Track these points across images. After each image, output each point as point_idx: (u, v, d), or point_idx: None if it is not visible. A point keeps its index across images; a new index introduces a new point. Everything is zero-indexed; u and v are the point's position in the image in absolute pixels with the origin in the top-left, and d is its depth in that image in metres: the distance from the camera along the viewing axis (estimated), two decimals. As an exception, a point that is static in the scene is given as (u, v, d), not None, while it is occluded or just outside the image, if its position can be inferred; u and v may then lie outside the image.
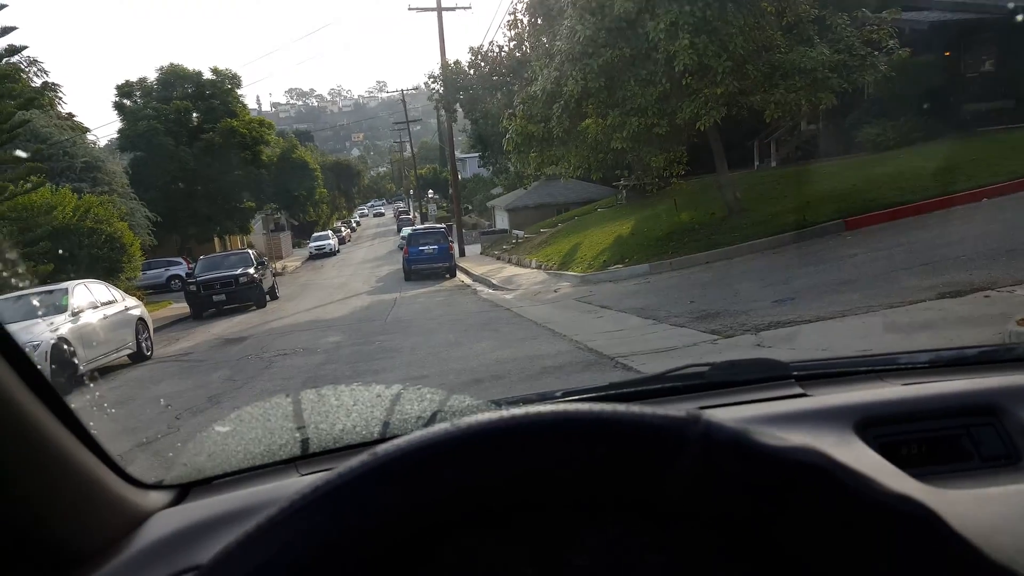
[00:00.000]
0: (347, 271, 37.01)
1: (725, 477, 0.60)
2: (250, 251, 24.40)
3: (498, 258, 30.43)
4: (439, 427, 0.63)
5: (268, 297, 25.05)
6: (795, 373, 1.62)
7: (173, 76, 41.22)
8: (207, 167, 38.87)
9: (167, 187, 39.03)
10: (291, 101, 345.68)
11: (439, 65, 33.37)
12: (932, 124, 21.50)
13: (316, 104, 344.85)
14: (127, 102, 40.06)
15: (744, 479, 0.59)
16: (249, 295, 22.08)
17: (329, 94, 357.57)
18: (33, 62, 36.23)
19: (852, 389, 1.51)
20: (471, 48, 32.80)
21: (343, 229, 74.17)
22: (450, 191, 40.16)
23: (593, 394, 1.65)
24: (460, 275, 27.16)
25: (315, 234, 56.73)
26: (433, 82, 33.46)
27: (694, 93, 14.72)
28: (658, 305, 11.50)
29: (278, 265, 42.31)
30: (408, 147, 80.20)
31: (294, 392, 1.66)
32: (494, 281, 21.46)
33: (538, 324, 11.72)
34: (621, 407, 0.62)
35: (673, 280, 14.31)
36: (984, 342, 3.53)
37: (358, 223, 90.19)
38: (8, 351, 0.90)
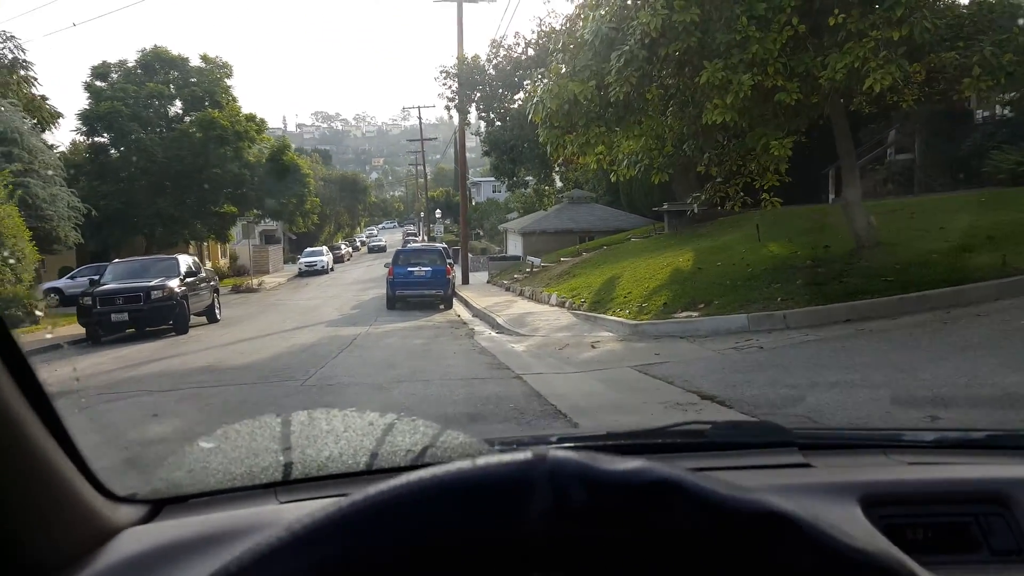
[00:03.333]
0: (330, 292, 31.35)
1: (579, 510, 0.59)
2: (184, 258, 18.56)
3: (507, 288, 24.56)
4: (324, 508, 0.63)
5: (205, 319, 19.24)
6: (799, 441, 1.54)
7: (155, 59, 35.74)
8: (179, 161, 33.23)
9: (131, 179, 33.44)
10: (316, 123, 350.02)
11: (455, 58, 27.89)
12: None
13: (340, 128, 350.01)
14: (100, 84, 34.59)
15: (596, 508, 0.59)
16: (163, 316, 16.22)
17: (354, 119, 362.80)
18: (9, 38, 31.11)
19: (856, 463, 1.47)
20: (492, 40, 27.12)
21: (343, 247, 68.74)
22: (459, 206, 34.35)
23: (590, 442, 1.63)
24: (458, 306, 21.27)
25: (307, 249, 51.18)
26: (446, 79, 27.90)
27: (851, 37, 8.86)
28: (835, 405, 5.57)
29: (255, 281, 36.50)
30: (423, 167, 74.82)
31: (285, 412, 1.55)
32: (500, 319, 15.55)
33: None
34: (467, 463, 0.63)
35: (808, 348, 8.33)
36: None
37: (363, 243, 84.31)
38: (3, 347, 0.89)
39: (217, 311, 19.92)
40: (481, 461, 0.62)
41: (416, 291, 21.12)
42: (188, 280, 17.61)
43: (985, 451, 1.53)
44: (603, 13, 10.31)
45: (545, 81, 10.71)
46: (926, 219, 13.84)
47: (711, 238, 19.07)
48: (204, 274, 19.49)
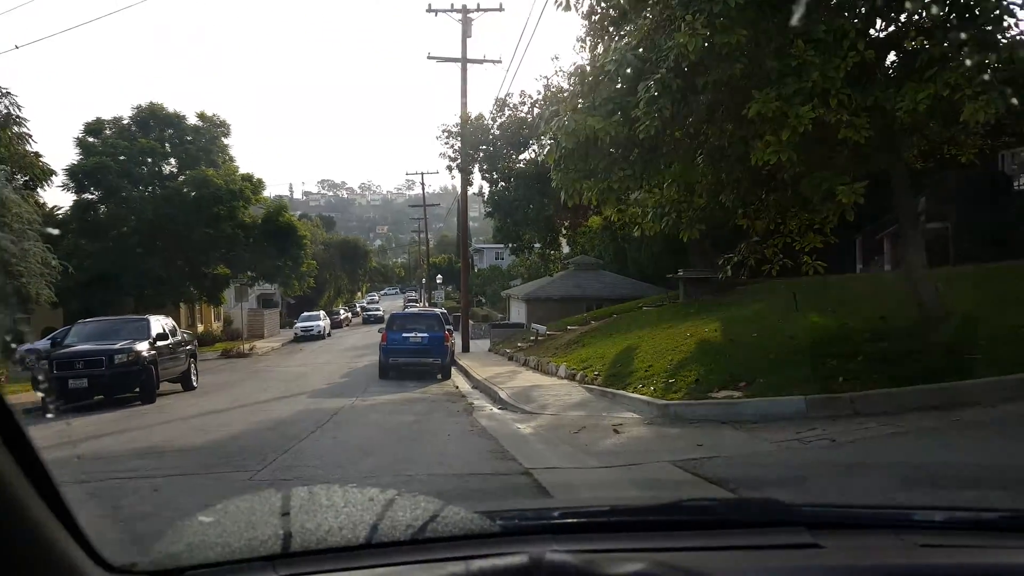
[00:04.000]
0: (322, 358, 29.63)
1: None
2: (157, 320, 16.84)
3: (511, 358, 22.78)
4: None
5: (180, 386, 17.48)
6: (806, 520, 1.48)
7: (151, 116, 34.70)
8: (170, 220, 31.82)
9: (120, 238, 31.97)
10: (322, 191, 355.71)
11: (458, 117, 26.71)
12: None
13: (346, 196, 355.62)
14: (92, 140, 33.47)
15: None
16: (127, 382, 14.45)
17: (359, 187, 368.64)
18: (5, 94, 30.17)
19: (866, 544, 1.42)
20: (496, 99, 26.03)
21: (343, 312, 67.11)
22: (459, 270, 32.77)
23: (594, 518, 1.60)
24: (456, 376, 19.48)
25: (304, 314, 49.58)
26: (448, 137, 26.67)
27: (934, 63, 7.34)
28: None
29: (247, 345, 34.74)
30: (424, 233, 73.73)
31: (285, 487, 1.77)
32: (503, 393, 13.77)
33: None
34: (460, 569, 0.65)
35: (898, 443, 6.53)
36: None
37: (363, 308, 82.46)
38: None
39: (193, 378, 18.16)
40: (476, 567, 0.62)
41: (411, 359, 19.36)
42: (159, 344, 15.88)
43: (998, 533, 1.46)
44: (628, 40, 8.85)
45: (560, 118, 9.13)
46: (989, 288, 12.20)
47: (736, 307, 17.39)
48: (180, 337, 17.77)
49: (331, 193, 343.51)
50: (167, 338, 16.47)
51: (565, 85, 16.23)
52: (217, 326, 45.57)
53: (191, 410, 13.45)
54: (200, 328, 42.63)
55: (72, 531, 1.00)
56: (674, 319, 18.18)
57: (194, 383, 18.10)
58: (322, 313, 51.42)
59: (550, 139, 9.41)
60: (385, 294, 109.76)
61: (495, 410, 12.45)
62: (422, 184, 65.13)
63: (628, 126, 8.43)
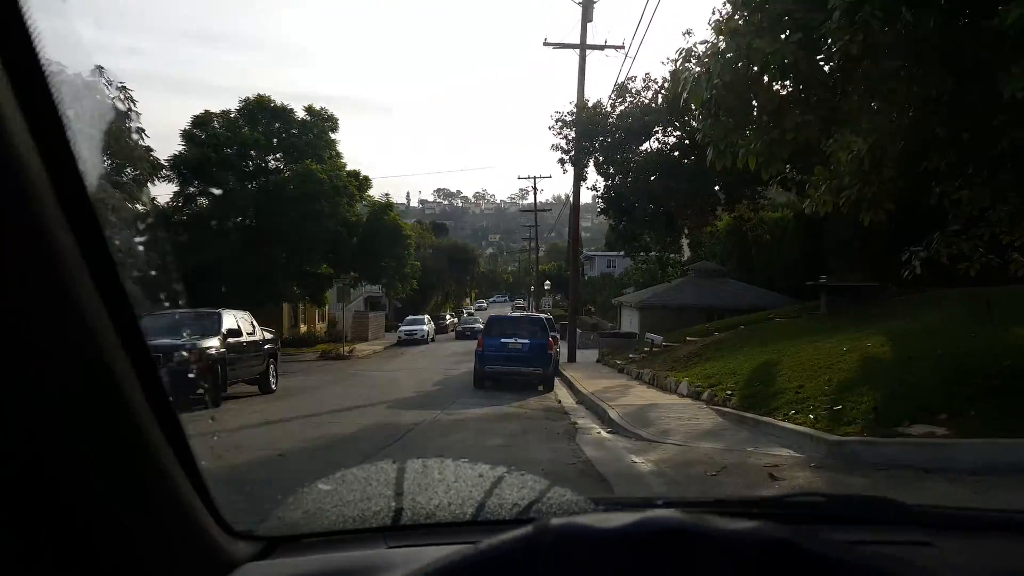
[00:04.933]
0: (420, 363, 28.08)
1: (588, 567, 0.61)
2: (231, 314, 15.31)
3: (621, 370, 20.32)
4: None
5: (258, 388, 16.01)
6: (918, 519, 1.44)
7: (258, 109, 34.14)
8: (271, 215, 30.96)
9: (222, 234, 31.33)
10: (438, 200, 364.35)
11: (574, 105, 24.41)
12: None
13: (460, 204, 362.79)
14: (198, 132, 33.13)
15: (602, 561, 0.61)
16: (187, 383, 12.72)
17: (474, 196, 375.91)
18: (121, 88, 30.31)
19: (981, 544, 1.34)
20: (615, 85, 23.50)
21: (448, 317, 66.03)
22: (569, 278, 30.43)
23: (700, 508, 1.54)
24: (560, 388, 17.26)
25: (408, 317, 48.57)
26: (562, 127, 24.37)
27: None
28: None
29: (346, 348, 33.62)
30: (534, 239, 71.88)
31: (400, 460, 1.63)
32: (613, 413, 11.40)
33: None
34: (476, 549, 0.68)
35: None
36: None
37: (471, 314, 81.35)
38: (142, 367, 0.90)
39: (272, 380, 16.64)
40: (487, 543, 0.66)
41: (510, 367, 17.22)
42: (231, 341, 14.35)
43: None
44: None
45: (713, 43, 6.65)
46: None
47: (897, 319, 14.34)
48: (259, 335, 16.26)
49: (446, 202, 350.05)
50: (240, 335, 14.94)
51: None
52: (321, 327, 44.98)
53: (246, 419, 11.72)
54: (303, 328, 42.08)
55: (200, 493, 1.04)
56: (819, 332, 15.29)
57: (272, 385, 16.58)
58: (427, 317, 50.24)
59: (694, 76, 6.89)
60: (494, 301, 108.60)
61: (604, 433, 10.11)
62: (534, 187, 63.19)
63: (812, 50, 5.91)
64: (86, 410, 0.83)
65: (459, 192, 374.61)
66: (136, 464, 0.88)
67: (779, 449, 7.67)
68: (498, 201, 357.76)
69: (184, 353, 12.73)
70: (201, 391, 12.94)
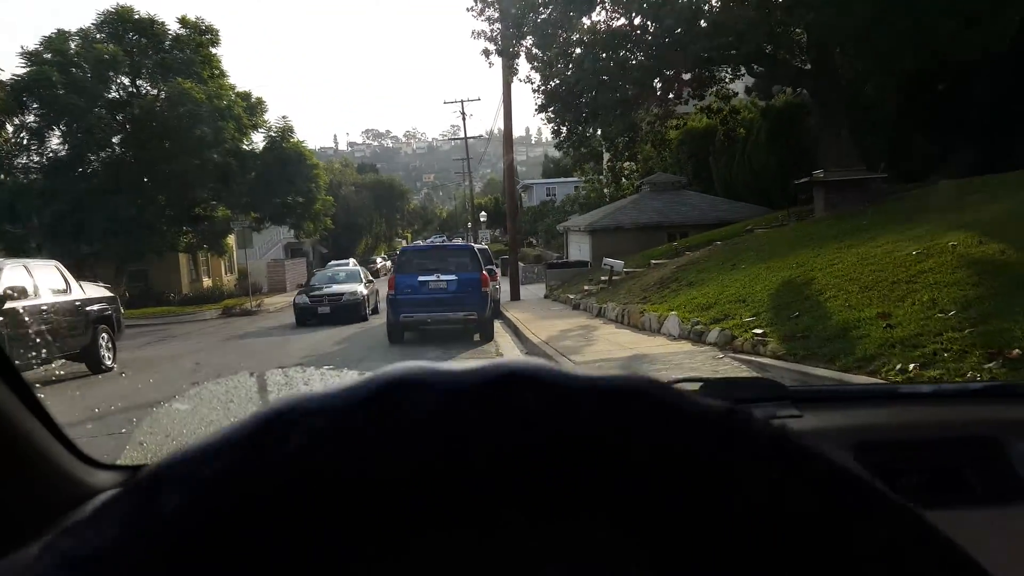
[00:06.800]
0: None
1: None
2: (14, 265, 10.65)
3: (576, 306, 16.32)
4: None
5: (85, 365, 11.51)
6: (794, 396, 1.48)
7: (119, 23, 28.27)
8: (139, 147, 25.59)
9: (74, 171, 25.73)
10: (367, 141, 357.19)
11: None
12: None
13: (391, 145, 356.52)
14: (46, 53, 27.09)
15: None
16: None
17: (404, 136, 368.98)
18: None
19: (852, 414, 1.43)
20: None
21: (379, 260, 61.35)
22: (504, 204, 26.00)
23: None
24: (502, 336, 13.23)
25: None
26: (484, 8, 19.59)
27: None
28: None
29: (254, 302, 28.97)
30: (467, 170, 67.00)
31: (259, 372, 1.57)
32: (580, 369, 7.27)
33: None
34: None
35: None
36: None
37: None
38: None
39: (107, 354, 12.10)
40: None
41: (433, 313, 12.99)
42: (11, 306, 9.74)
43: (981, 399, 1.49)
44: None
45: None
46: None
47: (952, 213, 10.46)
48: (76, 294, 11.63)
49: (376, 143, 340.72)
50: (32, 295, 10.31)
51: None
52: (229, 279, 39.80)
53: None
54: (207, 283, 37.00)
55: (52, 431, 1.08)
56: (842, 237, 11.37)
57: (108, 361, 12.07)
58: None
59: None
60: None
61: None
62: (462, 112, 57.98)
63: None
64: None
65: (389, 132, 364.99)
66: None
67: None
68: (430, 139, 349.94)
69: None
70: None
